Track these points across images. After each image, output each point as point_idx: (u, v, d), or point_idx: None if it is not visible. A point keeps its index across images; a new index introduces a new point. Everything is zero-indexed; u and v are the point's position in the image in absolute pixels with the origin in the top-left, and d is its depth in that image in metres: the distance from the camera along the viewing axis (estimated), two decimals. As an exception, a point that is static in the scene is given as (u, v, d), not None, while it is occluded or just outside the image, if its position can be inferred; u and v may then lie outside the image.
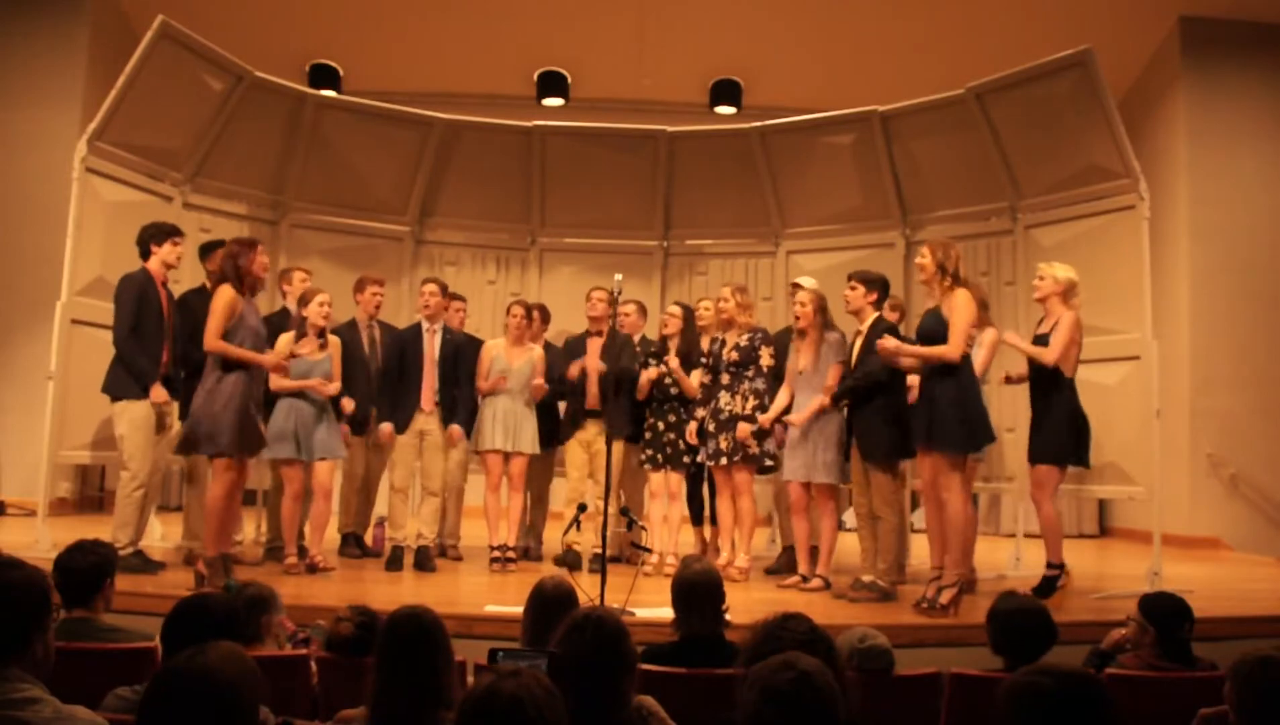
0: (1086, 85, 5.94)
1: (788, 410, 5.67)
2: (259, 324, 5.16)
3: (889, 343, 4.94)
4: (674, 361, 6.07)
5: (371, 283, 6.35)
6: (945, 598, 4.71)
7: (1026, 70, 6.22)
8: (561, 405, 6.48)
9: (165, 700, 1.82)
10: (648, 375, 6.09)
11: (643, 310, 6.65)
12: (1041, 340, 5.32)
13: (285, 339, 5.59)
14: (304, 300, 5.74)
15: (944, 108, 6.71)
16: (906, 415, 5.14)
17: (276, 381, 5.45)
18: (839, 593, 5.28)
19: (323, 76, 9.88)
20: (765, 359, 5.87)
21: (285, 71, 7.93)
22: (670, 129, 7.66)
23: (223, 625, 2.54)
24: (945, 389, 4.76)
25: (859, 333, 5.43)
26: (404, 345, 6.16)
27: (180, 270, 6.23)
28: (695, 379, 6.08)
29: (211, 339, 4.92)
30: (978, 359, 5.40)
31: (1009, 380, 5.71)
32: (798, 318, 5.63)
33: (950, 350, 4.71)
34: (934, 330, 4.81)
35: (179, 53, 6.09)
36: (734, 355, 5.90)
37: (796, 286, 5.80)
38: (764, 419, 5.72)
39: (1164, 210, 8.09)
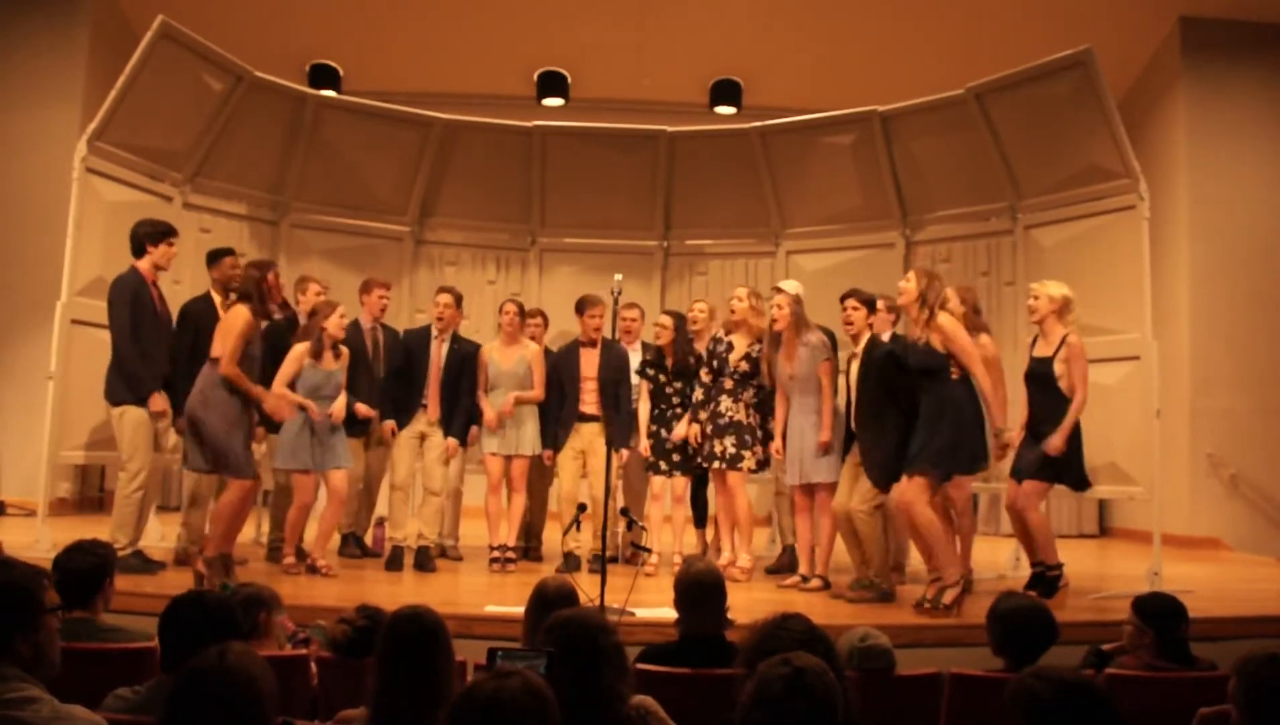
0: (1086, 85, 5.94)
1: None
2: (257, 351, 5.15)
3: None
4: (692, 431, 5.97)
5: (379, 286, 6.33)
6: (948, 598, 4.71)
7: (1026, 70, 6.23)
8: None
9: (195, 700, 1.84)
10: (677, 436, 6.01)
11: (641, 315, 6.61)
12: (1044, 363, 5.29)
13: (300, 351, 5.50)
14: (316, 312, 5.67)
15: (944, 108, 6.72)
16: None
17: (276, 408, 5.24)
18: (839, 593, 5.27)
19: (323, 76, 9.86)
20: None
21: (285, 71, 7.93)
22: (670, 129, 7.66)
23: (218, 623, 2.54)
24: (940, 412, 4.77)
25: (854, 356, 5.38)
26: (410, 348, 6.16)
27: (181, 274, 6.24)
28: (682, 428, 6.02)
29: (230, 364, 4.90)
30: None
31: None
32: (774, 321, 5.59)
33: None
34: (938, 365, 4.79)
35: (179, 53, 6.09)
36: (744, 365, 5.85)
37: (779, 291, 5.73)
38: (775, 447, 5.69)
39: (1164, 210, 8.08)
